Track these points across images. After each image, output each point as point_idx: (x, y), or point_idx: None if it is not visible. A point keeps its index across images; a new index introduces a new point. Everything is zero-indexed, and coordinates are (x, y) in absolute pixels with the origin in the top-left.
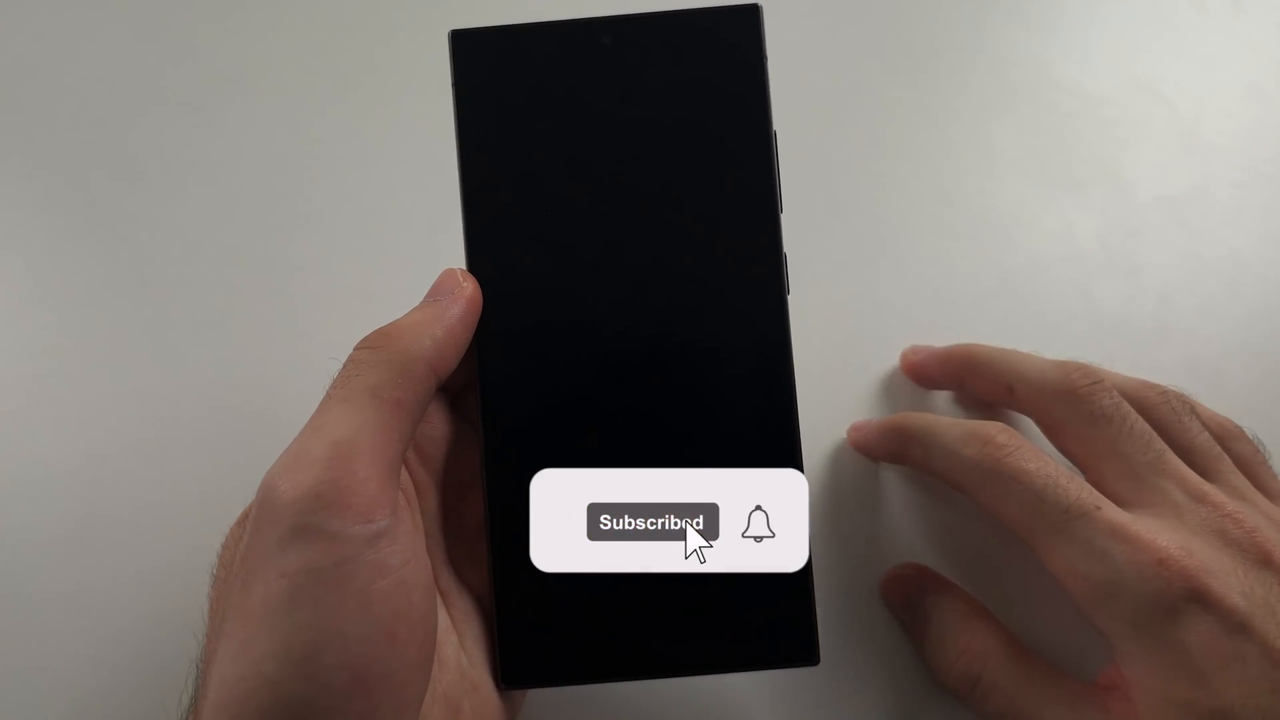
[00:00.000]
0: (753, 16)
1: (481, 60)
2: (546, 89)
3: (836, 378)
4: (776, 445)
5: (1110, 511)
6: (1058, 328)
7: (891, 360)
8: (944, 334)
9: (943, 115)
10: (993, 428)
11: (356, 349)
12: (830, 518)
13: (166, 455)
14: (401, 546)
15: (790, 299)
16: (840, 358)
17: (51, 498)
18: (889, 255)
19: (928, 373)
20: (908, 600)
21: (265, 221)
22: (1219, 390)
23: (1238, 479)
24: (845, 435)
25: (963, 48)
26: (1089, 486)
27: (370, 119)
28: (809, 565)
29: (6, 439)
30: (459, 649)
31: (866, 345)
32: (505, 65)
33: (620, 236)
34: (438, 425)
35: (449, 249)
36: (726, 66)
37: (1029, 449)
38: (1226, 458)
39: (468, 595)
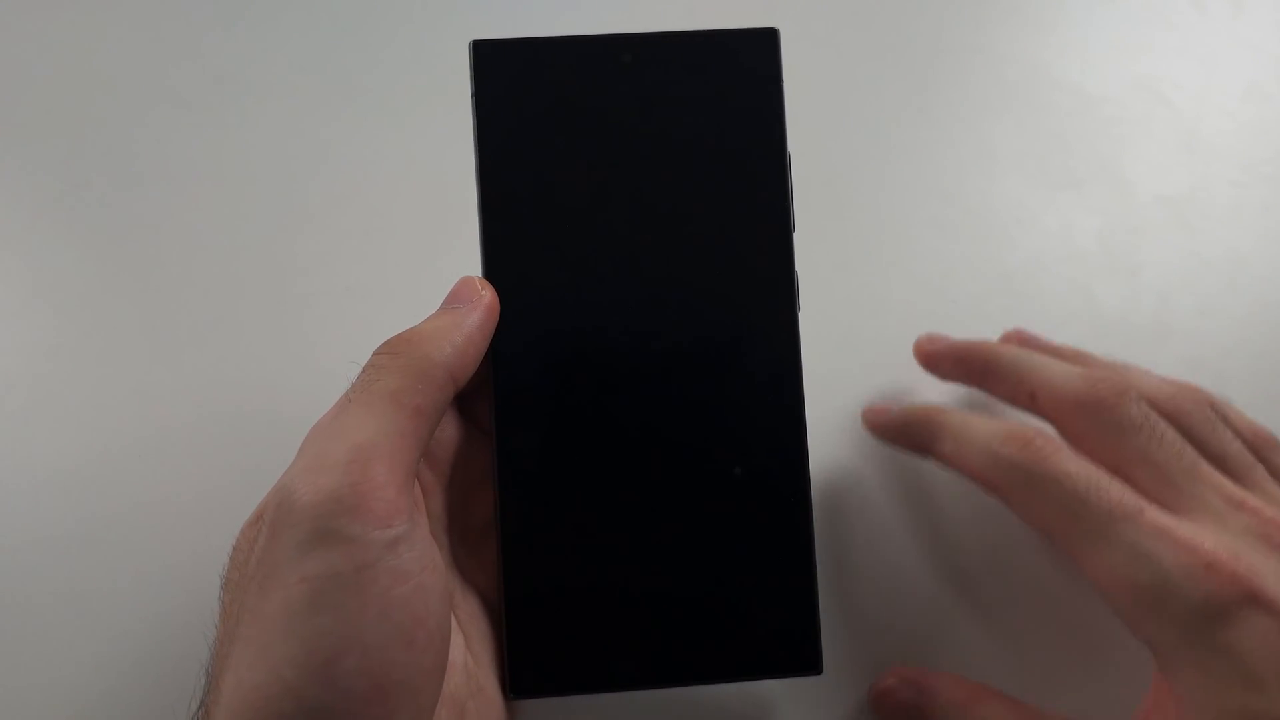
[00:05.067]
0: (770, 40)
1: (502, 71)
2: (566, 102)
3: (835, 376)
4: (784, 467)
5: (1154, 514)
6: (1058, 327)
7: (891, 359)
8: (945, 333)
9: (943, 115)
10: (1031, 430)
11: (376, 354)
12: (835, 522)
13: (167, 456)
14: (420, 552)
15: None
16: (839, 357)
17: (52, 498)
18: (889, 254)
19: (942, 366)
20: (903, 711)
21: (267, 222)
22: (1219, 390)
23: (1272, 487)
24: (860, 418)
25: (963, 48)
26: (1130, 489)
27: (372, 120)
28: (813, 574)
29: (6, 439)
30: (465, 651)
31: (866, 345)
32: (525, 77)
33: (634, 251)
34: (446, 428)
35: (452, 250)
36: (744, 88)
37: (1069, 451)
38: (1260, 467)
39: (474, 597)
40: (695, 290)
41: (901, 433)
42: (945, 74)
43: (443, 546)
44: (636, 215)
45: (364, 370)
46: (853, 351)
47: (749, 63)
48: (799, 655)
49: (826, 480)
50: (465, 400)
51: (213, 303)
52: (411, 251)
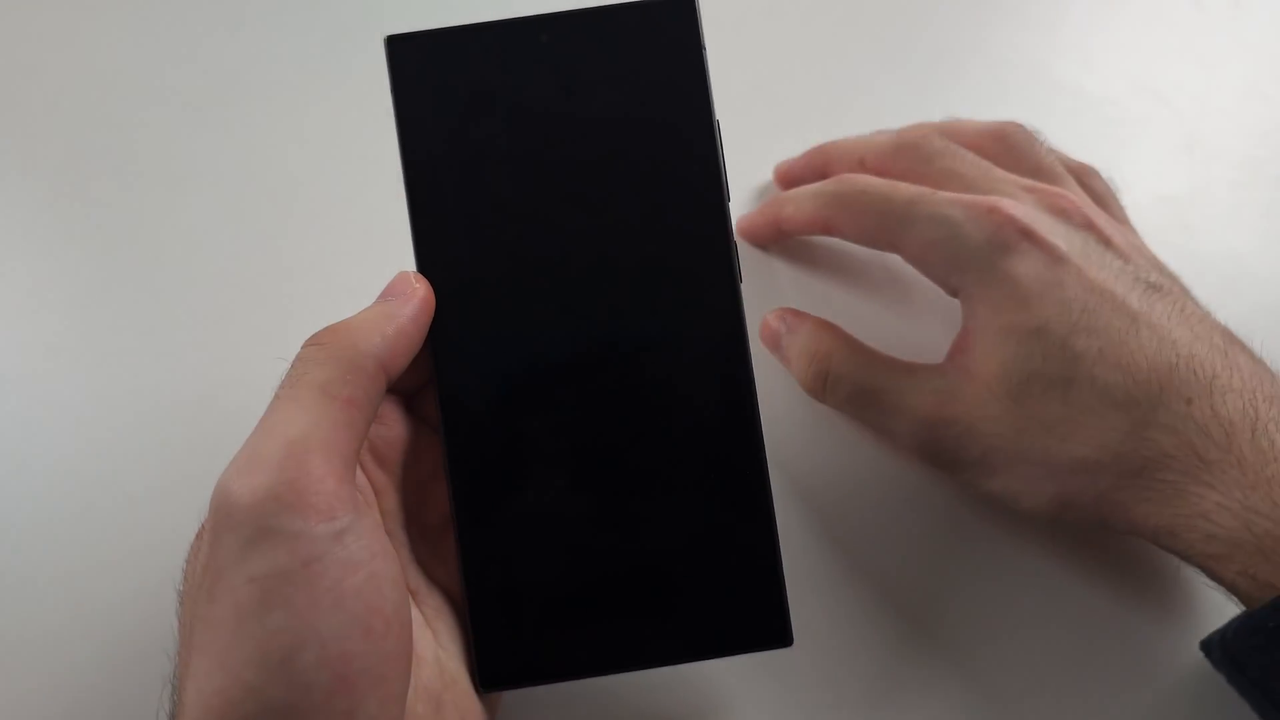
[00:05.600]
0: (689, 7)
1: (420, 64)
2: (487, 90)
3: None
4: (737, 438)
5: (946, 193)
6: None
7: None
8: (947, 333)
9: (943, 115)
10: (842, 174)
11: (304, 346)
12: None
13: (167, 456)
14: (368, 541)
15: (774, 299)
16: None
17: (50, 498)
18: (889, 255)
19: (797, 175)
20: (777, 338)
21: (265, 221)
22: None
23: (1077, 190)
24: (735, 228)
25: (962, 48)
26: (926, 187)
27: (373, 120)
28: (776, 547)
29: (6, 439)
30: (435, 644)
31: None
32: (443, 68)
33: (569, 234)
34: (393, 426)
35: None
36: (665, 59)
37: (873, 176)
38: (1070, 177)
39: (438, 592)
40: (634, 270)
41: (760, 222)
42: (945, 74)
43: (402, 544)
44: (568, 198)
45: (292, 364)
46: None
47: (668, 32)
48: (768, 629)
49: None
50: (413, 398)
51: (213, 303)
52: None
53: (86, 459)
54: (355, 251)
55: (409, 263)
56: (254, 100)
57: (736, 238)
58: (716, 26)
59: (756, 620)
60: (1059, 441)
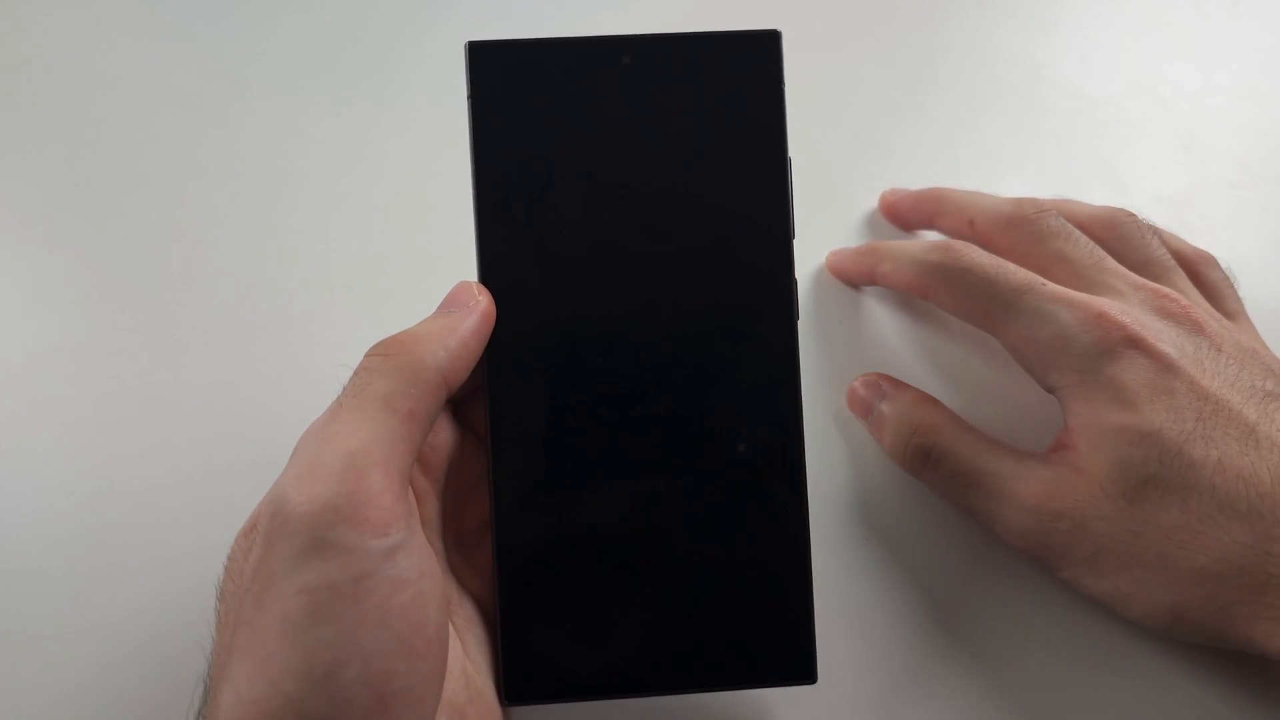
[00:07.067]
0: (773, 43)
1: (499, 73)
2: (563, 104)
3: (833, 380)
4: (781, 474)
5: (1054, 286)
6: None
7: (890, 360)
8: (945, 331)
9: (942, 115)
10: (949, 239)
11: (368, 355)
12: (831, 529)
13: (168, 456)
14: (417, 559)
15: (860, 342)
16: (838, 361)
17: (51, 499)
18: None
19: (902, 213)
20: (868, 405)
21: (267, 221)
22: None
23: (1187, 286)
24: (825, 263)
25: (962, 48)
26: (1033, 272)
27: (372, 119)
28: (809, 584)
29: (6, 439)
30: (464, 656)
31: (869, 342)
32: (522, 79)
33: (632, 255)
34: (440, 433)
35: (451, 250)
36: (745, 91)
37: (981, 250)
38: (1180, 270)
39: (469, 602)
40: (693, 299)
41: (853, 265)
42: (945, 74)
43: (437, 552)
44: (634, 220)
45: (355, 373)
46: (851, 356)
47: (750, 66)
48: (793, 664)
49: (822, 487)
50: (459, 405)
51: (213, 302)
52: (413, 251)
53: (86, 460)
54: (358, 250)
55: (409, 263)
56: (255, 100)
57: (829, 272)
58: (710, 24)
59: (783, 655)
60: (1178, 549)
